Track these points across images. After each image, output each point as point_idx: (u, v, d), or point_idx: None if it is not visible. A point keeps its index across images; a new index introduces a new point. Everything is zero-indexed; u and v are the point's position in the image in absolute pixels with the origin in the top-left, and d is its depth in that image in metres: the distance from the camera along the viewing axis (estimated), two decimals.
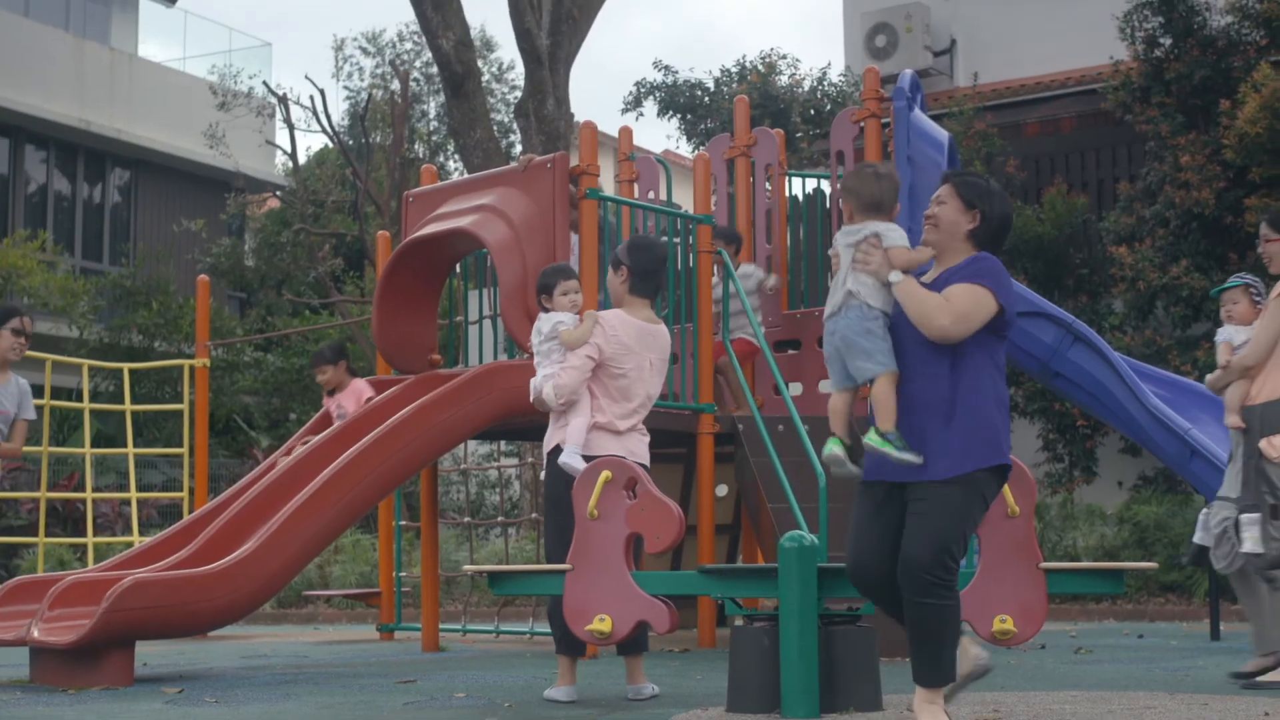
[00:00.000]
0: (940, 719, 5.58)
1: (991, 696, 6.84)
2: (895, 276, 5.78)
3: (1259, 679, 7.62)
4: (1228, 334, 8.11)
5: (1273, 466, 7.54)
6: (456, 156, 29.76)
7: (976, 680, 5.86)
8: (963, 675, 5.79)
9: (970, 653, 5.80)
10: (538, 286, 8.09)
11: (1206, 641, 10.91)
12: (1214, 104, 16.34)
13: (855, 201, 5.98)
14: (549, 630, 12.09)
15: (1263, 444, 7.54)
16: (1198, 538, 7.85)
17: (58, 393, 17.33)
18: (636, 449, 7.57)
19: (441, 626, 11.88)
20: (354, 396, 11.15)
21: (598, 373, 7.62)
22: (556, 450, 7.59)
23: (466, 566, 10.39)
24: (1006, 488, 6.26)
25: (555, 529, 7.62)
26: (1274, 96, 15.13)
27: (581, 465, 7.47)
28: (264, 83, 27.74)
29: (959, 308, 5.67)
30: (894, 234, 5.88)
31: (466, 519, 14.36)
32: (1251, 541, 7.45)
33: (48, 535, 15.96)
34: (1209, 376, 8.23)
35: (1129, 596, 14.68)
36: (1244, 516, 7.52)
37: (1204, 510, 7.89)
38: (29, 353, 9.84)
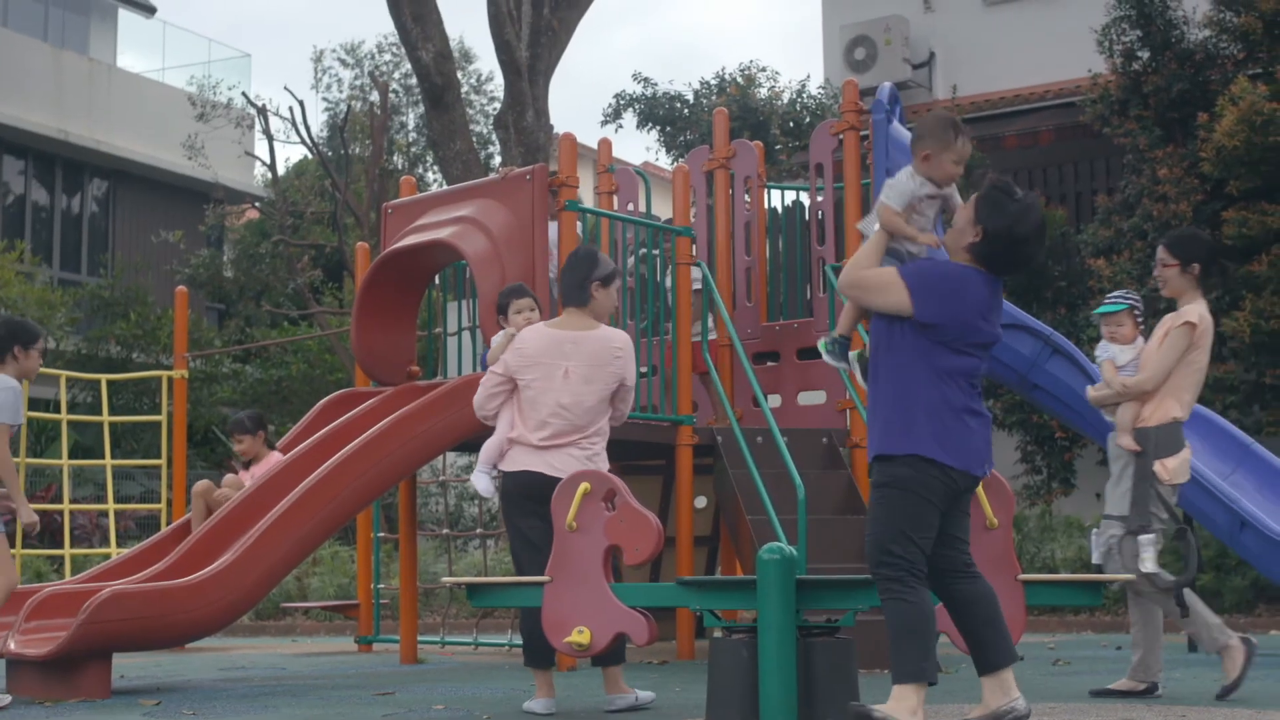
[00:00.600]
0: (901, 715, 5.60)
1: (970, 708, 6.83)
2: (874, 227, 6.04)
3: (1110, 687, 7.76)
4: (1111, 352, 8.15)
5: (1166, 489, 7.64)
6: (435, 168, 29.75)
7: None
8: (991, 711, 5.81)
9: (1010, 694, 5.81)
10: (496, 306, 8.16)
11: (1184, 653, 10.93)
12: (1192, 117, 16.37)
13: None
14: None
15: (1156, 467, 7.64)
16: (1096, 558, 7.92)
17: (35, 404, 17.27)
18: (560, 465, 7.40)
19: (420, 638, 11.86)
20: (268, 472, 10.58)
21: (517, 388, 7.66)
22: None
23: (445, 578, 10.37)
24: (985, 499, 6.29)
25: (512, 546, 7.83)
26: (1251, 110, 15.17)
27: (484, 484, 7.67)
28: (243, 94, 27.71)
29: (862, 276, 5.93)
30: (889, 187, 6.04)
31: (445, 531, 14.33)
32: (1151, 561, 7.55)
33: (24, 547, 15.90)
34: (1091, 392, 8.26)
35: (1107, 608, 14.69)
36: (1142, 538, 7.62)
37: (1094, 529, 7.97)
38: None
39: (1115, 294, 8.45)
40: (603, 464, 7.55)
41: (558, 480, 6.84)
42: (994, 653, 5.84)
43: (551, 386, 7.55)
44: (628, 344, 7.72)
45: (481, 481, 7.68)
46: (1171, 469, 7.69)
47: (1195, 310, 7.80)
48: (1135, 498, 7.70)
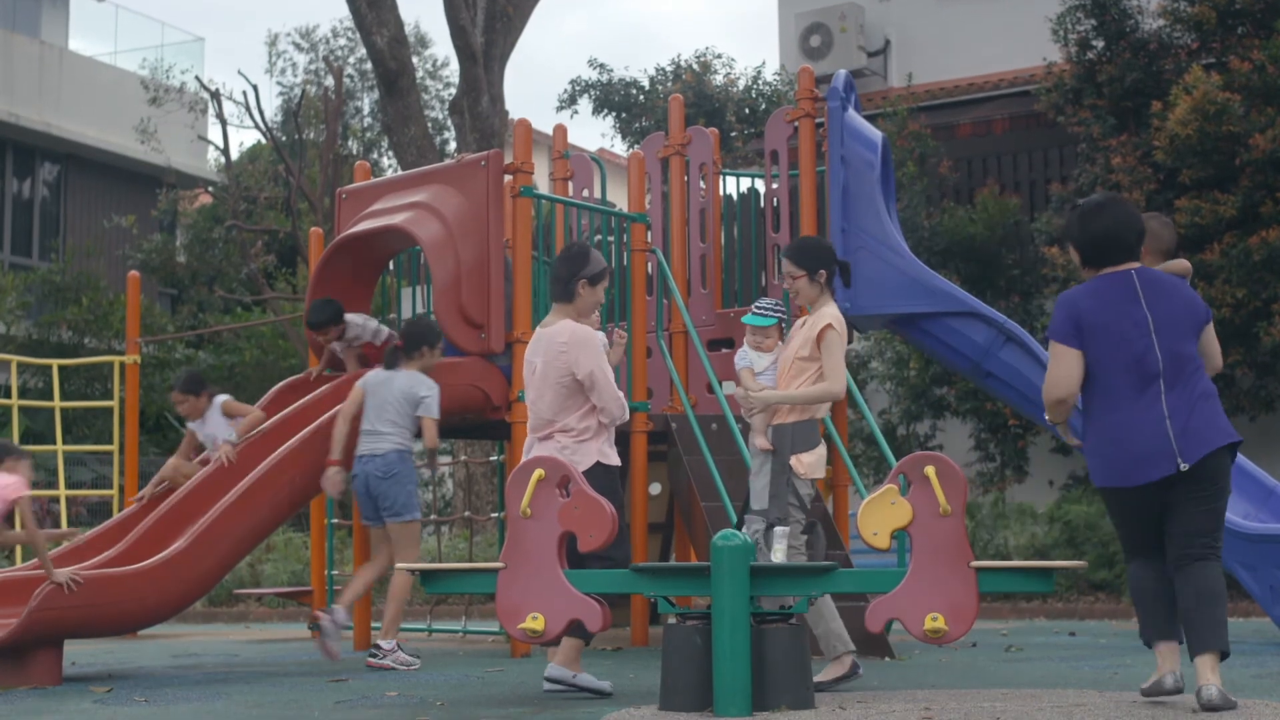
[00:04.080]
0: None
1: (923, 694, 6.86)
2: None
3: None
4: (749, 360, 8.14)
5: (800, 482, 7.76)
6: (390, 153, 29.64)
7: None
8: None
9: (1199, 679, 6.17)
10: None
11: (1135, 640, 10.96)
12: (1145, 106, 16.45)
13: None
14: (482, 629, 12.09)
15: (792, 461, 7.72)
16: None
17: None
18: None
19: (374, 625, 11.81)
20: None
21: None
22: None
23: (399, 564, 10.35)
24: (938, 486, 6.28)
25: None
26: (1204, 99, 15.25)
27: None
28: (196, 78, 27.56)
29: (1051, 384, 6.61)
30: None
31: None
32: (780, 553, 7.62)
33: None
34: (740, 397, 8.13)
35: (1059, 595, 14.77)
36: (778, 529, 7.69)
37: (744, 527, 8.04)
38: None
39: (765, 305, 8.32)
40: (582, 458, 7.42)
41: None
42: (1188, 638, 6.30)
43: (530, 384, 7.74)
44: (576, 336, 7.60)
45: None
46: (807, 463, 7.78)
47: (830, 312, 7.85)
48: (773, 492, 7.79)
